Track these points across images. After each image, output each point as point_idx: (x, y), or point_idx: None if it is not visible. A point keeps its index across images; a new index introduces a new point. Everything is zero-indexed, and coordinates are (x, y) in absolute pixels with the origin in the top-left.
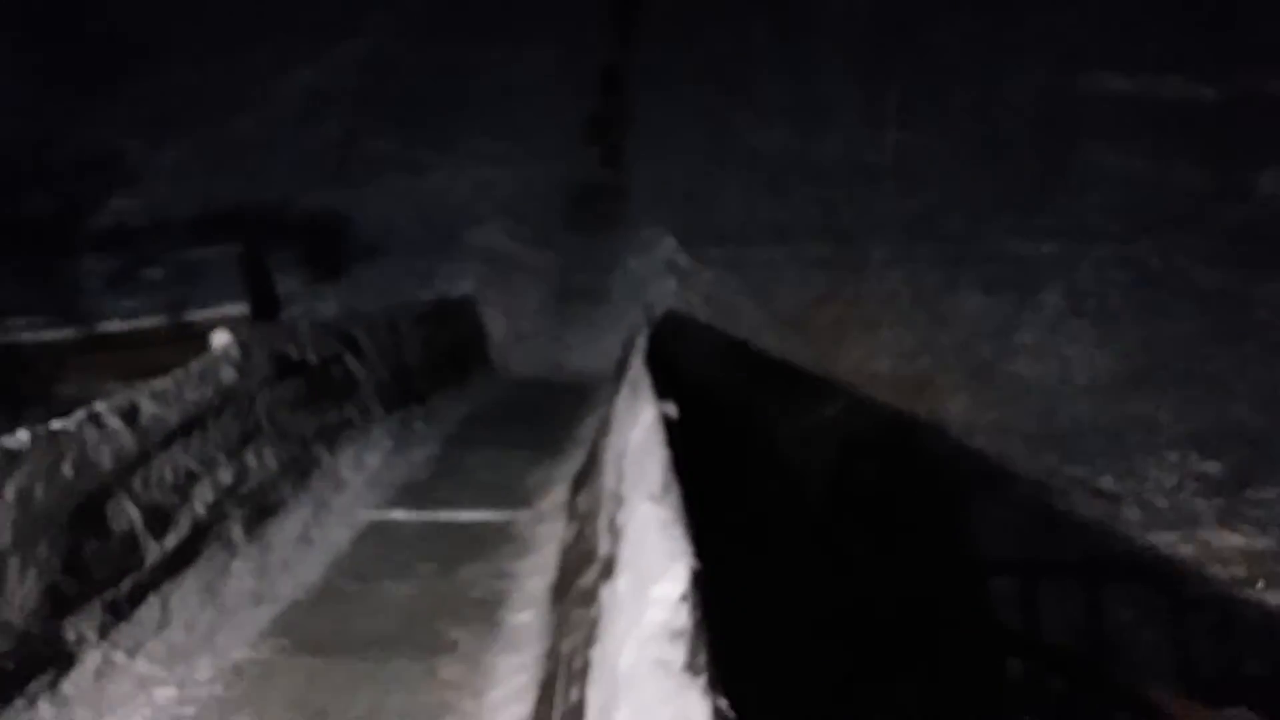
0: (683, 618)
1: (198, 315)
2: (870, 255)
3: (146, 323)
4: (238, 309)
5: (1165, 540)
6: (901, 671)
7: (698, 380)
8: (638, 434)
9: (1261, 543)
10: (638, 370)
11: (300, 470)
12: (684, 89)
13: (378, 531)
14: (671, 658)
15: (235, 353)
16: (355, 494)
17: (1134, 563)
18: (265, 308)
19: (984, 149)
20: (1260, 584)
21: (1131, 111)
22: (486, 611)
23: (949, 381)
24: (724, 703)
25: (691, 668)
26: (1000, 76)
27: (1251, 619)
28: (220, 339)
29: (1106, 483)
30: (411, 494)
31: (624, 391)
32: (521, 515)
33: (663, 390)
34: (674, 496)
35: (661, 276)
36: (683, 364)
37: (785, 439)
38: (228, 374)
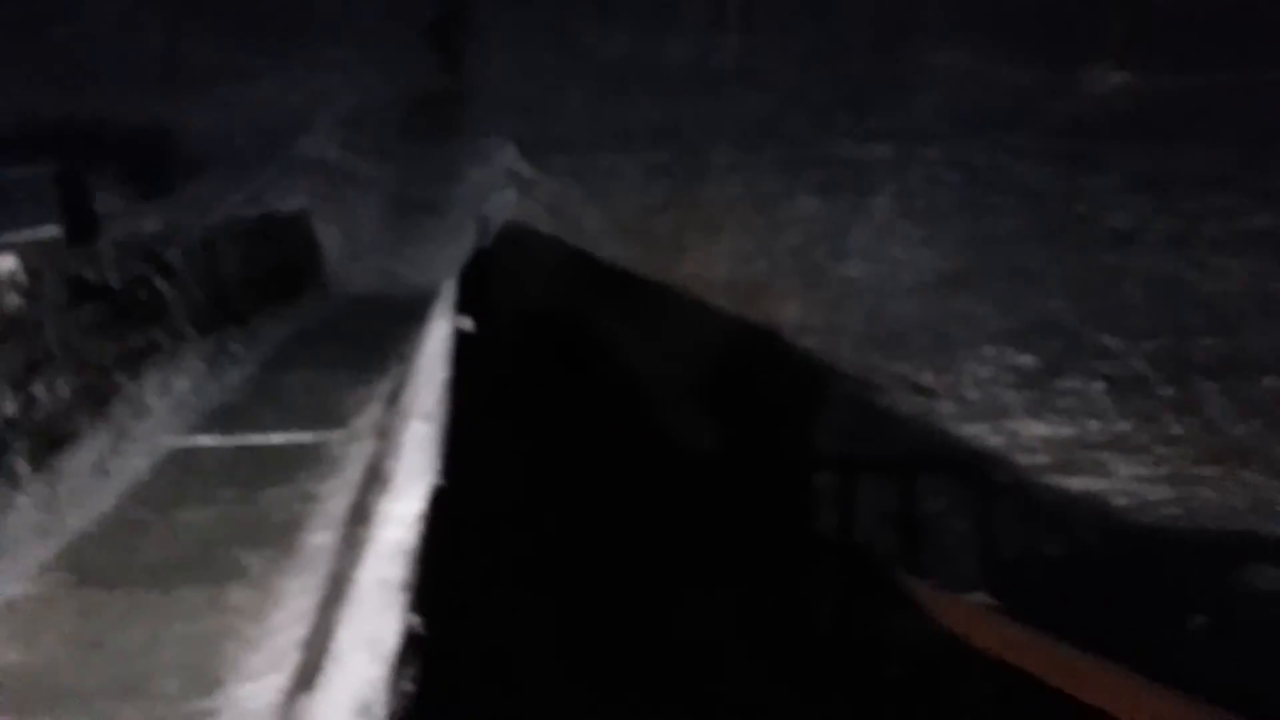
0: (412, 536)
1: (8, 240)
2: (711, 160)
3: None
4: (52, 232)
5: (977, 432)
6: (718, 574)
7: (536, 292)
8: (429, 349)
9: (1065, 431)
10: (448, 285)
11: (98, 398)
12: None
13: (181, 458)
14: (392, 575)
15: (21, 278)
16: (159, 421)
17: (947, 455)
18: (83, 230)
19: (823, 51)
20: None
21: (962, 11)
22: (284, 535)
23: (784, 285)
24: (417, 621)
25: (405, 586)
26: None
27: (1052, 503)
28: (4, 265)
29: (927, 379)
30: (221, 418)
31: (437, 307)
32: (334, 436)
33: (468, 304)
34: (442, 414)
35: (502, 187)
36: (522, 276)
37: (626, 348)
38: (11, 301)
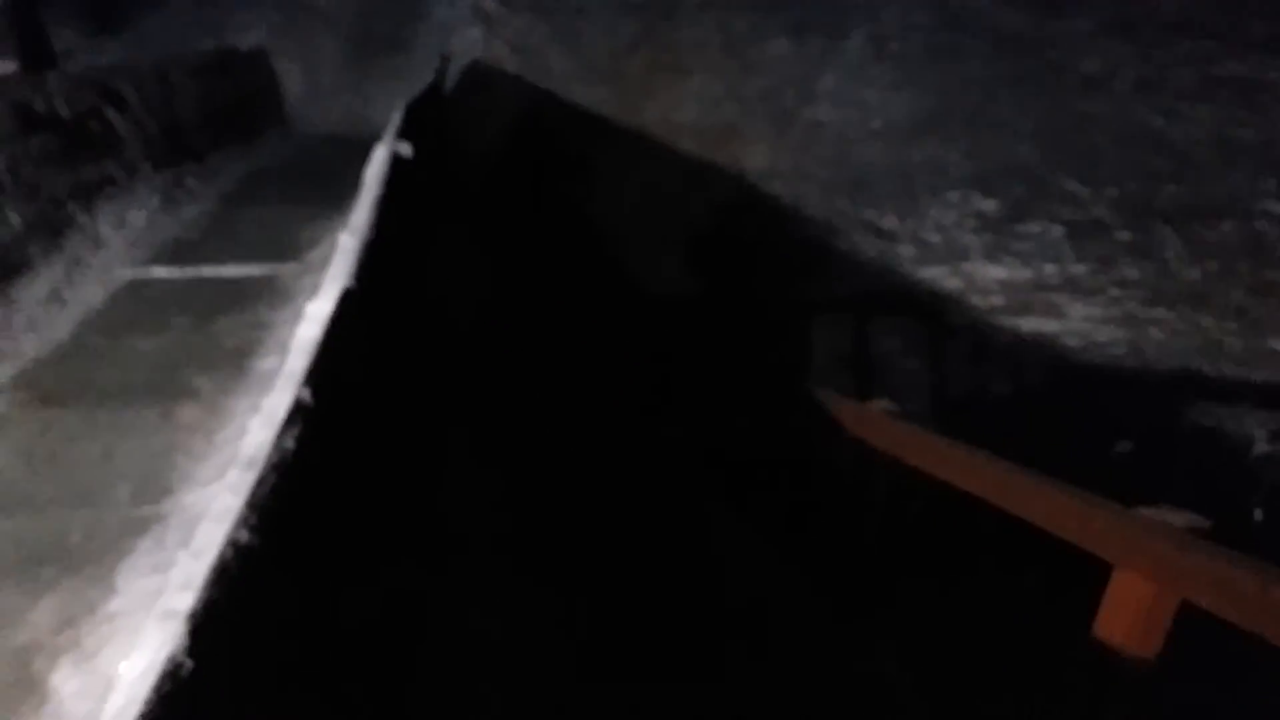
0: (316, 331)
1: None
2: (682, 0)
3: None
4: (7, 65)
5: (934, 274)
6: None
7: (500, 131)
8: (370, 172)
9: (1021, 274)
10: (396, 115)
11: (52, 229)
12: None
13: (135, 289)
14: (298, 367)
15: None
16: (115, 252)
17: (904, 296)
18: (38, 63)
19: None
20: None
21: None
22: (235, 360)
23: (752, 130)
24: (306, 394)
25: (305, 372)
26: None
27: (1002, 344)
28: None
29: (890, 223)
30: (176, 251)
31: (386, 136)
32: (288, 268)
33: (412, 132)
34: (367, 228)
35: (467, 24)
36: (486, 114)
37: (590, 188)
38: None
